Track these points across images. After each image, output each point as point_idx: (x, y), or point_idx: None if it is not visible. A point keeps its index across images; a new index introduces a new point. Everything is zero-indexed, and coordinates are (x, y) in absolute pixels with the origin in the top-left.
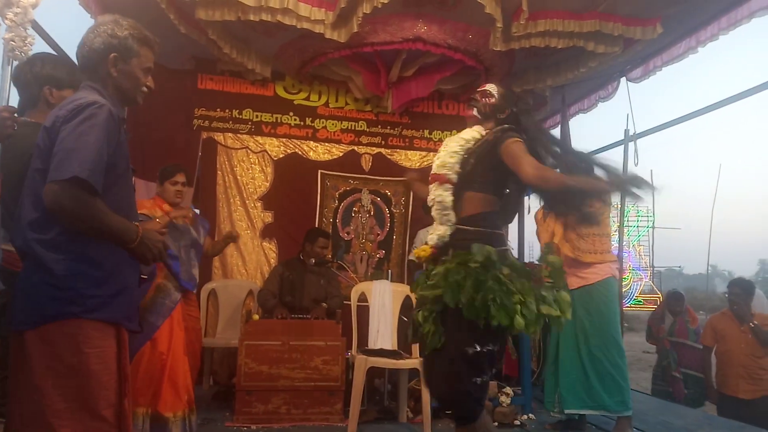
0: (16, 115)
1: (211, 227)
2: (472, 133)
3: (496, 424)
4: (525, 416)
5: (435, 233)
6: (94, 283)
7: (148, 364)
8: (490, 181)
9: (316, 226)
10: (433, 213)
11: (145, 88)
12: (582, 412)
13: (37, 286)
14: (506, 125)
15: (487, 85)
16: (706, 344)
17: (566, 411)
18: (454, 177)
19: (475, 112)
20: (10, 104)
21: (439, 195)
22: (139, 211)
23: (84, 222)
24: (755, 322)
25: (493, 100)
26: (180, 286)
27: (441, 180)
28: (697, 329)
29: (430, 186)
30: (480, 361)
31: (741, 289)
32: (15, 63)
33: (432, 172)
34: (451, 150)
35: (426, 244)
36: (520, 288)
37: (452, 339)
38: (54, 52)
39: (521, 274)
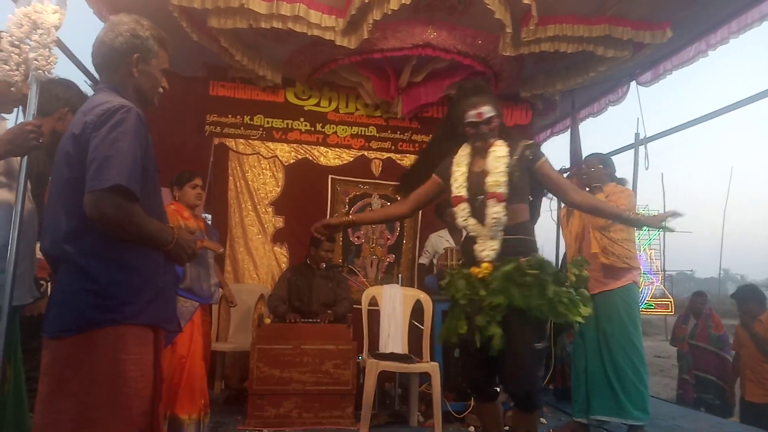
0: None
1: (222, 232)
2: (502, 150)
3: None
4: None
5: (488, 248)
6: (135, 290)
7: (167, 367)
8: (526, 193)
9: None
10: (487, 229)
11: (161, 89)
12: (607, 419)
13: (78, 294)
14: (530, 141)
15: (483, 108)
16: (735, 350)
17: (592, 417)
18: (507, 193)
19: (491, 140)
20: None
21: (497, 212)
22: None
23: (126, 229)
24: (754, 330)
25: (495, 119)
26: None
27: (499, 198)
28: (722, 336)
29: (459, 206)
30: (541, 355)
31: (744, 295)
32: (39, 82)
33: (459, 194)
34: (499, 170)
35: (482, 261)
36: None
37: (520, 338)
38: (75, 66)
39: (560, 276)
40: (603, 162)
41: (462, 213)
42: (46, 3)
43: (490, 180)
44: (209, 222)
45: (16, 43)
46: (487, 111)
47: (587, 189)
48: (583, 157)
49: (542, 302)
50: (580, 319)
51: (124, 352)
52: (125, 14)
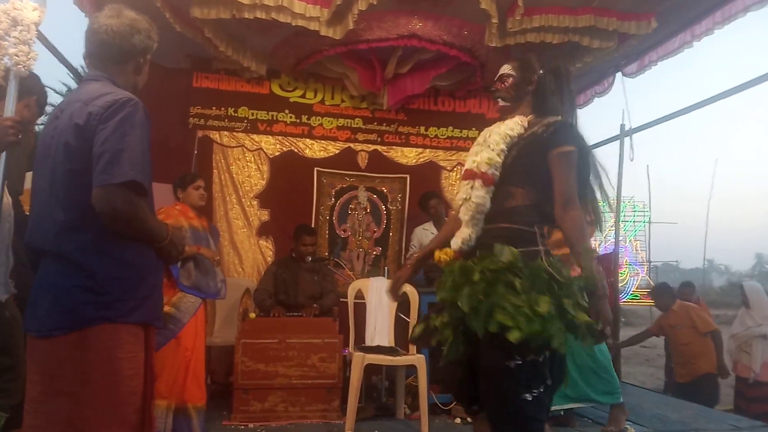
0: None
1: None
2: (514, 124)
3: None
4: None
5: (459, 237)
6: (130, 287)
7: (173, 360)
8: (530, 173)
9: (312, 224)
10: (463, 214)
11: None
12: (564, 407)
13: (72, 290)
14: (558, 120)
15: (502, 67)
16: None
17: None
18: (497, 175)
19: (501, 102)
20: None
21: (479, 196)
22: (167, 221)
23: (133, 225)
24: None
25: (511, 79)
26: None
27: (486, 180)
28: None
29: (464, 182)
30: (524, 374)
31: (658, 292)
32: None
33: (470, 168)
34: (496, 146)
35: (452, 246)
36: (533, 297)
37: (488, 353)
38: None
39: (538, 282)
40: None
41: (460, 193)
42: (26, 0)
43: (477, 156)
44: None
45: None
46: (505, 69)
47: None
48: None
49: (479, 307)
50: (510, 337)
51: (119, 350)
52: (129, 11)
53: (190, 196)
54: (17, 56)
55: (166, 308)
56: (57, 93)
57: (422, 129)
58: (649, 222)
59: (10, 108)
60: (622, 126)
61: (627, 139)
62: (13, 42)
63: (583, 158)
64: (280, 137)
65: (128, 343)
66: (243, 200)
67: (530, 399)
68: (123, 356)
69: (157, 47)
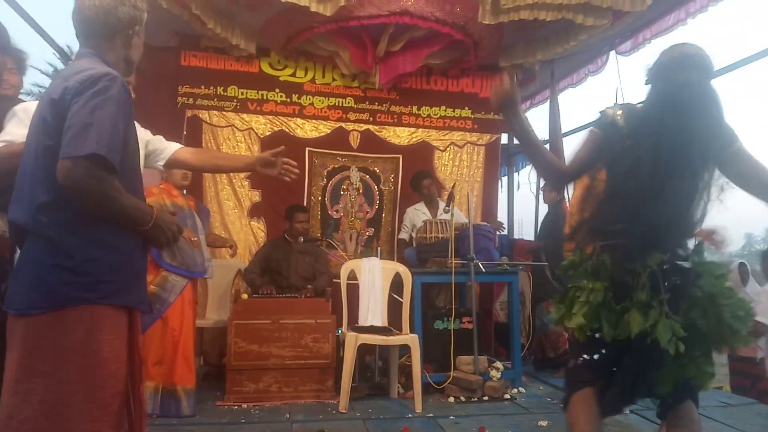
0: None
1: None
2: None
3: (486, 398)
4: (515, 390)
5: None
6: (111, 269)
7: (160, 341)
8: None
9: (305, 203)
10: None
11: None
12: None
13: (51, 270)
14: None
15: None
16: None
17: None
18: None
19: None
20: None
21: None
22: (147, 200)
23: (100, 202)
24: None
25: None
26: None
27: None
28: None
29: None
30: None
31: None
32: None
33: None
34: None
35: None
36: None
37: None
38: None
39: None
40: None
41: None
42: None
43: None
44: None
45: None
46: None
47: None
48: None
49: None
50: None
51: (98, 332)
52: None
53: (173, 176)
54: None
55: (151, 287)
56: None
57: (414, 108)
58: None
59: None
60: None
61: None
62: None
63: None
64: (270, 117)
65: (108, 325)
66: (234, 181)
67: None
68: (102, 338)
69: (144, 25)
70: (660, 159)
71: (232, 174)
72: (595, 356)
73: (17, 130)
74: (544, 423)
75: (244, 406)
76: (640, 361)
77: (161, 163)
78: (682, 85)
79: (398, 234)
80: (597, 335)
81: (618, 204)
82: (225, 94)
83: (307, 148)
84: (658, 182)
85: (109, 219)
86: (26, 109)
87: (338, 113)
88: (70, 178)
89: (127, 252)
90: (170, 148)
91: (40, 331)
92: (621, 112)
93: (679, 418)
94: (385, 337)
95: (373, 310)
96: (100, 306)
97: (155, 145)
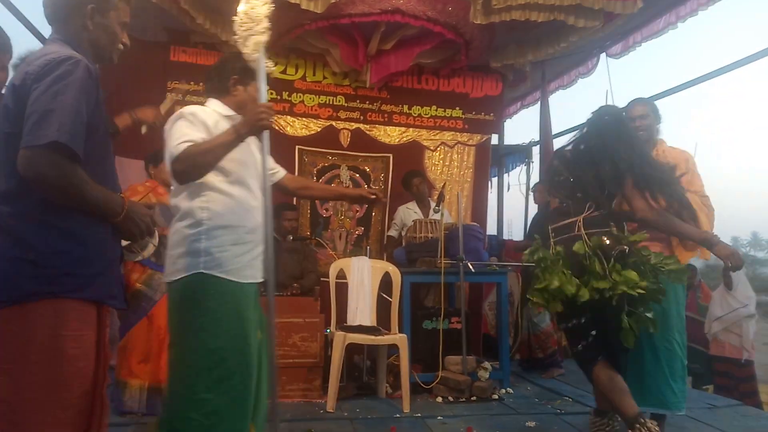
0: None
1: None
2: None
3: (474, 398)
4: (503, 390)
5: None
6: (77, 262)
7: (146, 339)
8: None
9: (294, 202)
10: None
11: (121, 45)
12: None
13: (11, 262)
14: None
15: None
16: None
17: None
18: None
19: None
20: None
21: None
22: (132, 198)
23: (64, 192)
24: None
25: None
26: None
27: None
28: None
29: None
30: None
31: None
32: None
33: None
34: None
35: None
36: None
37: None
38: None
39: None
40: (654, 111)
41: None
42: None
43: None
44: None
45: None
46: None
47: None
48: (627, 103)
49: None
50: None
51: (63, 327)
52: None
53: (162, 173)
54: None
55: (137, 285)
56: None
57: (405, 108)
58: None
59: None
60: None
61: None
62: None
63: None
64: None
65: (74, 320)
66: None
67: (580, 349)
68: (67, 334)
69: (133, 20)
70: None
71: None
72: (582, 320)
73: (191, 131)
74: (531, 424)
75: None
76: (608, 319)
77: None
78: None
79: (387, 231)
80: (576, 302)
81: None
82: None
83: (296, 146)
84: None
85: (77, 210)
86: (194, 113)
87: (329, 111)
88: (31, 169)
89: (95, 243)
90: (280, 173)
91: (2, 326)
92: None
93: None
94: (373, 337)
95: (361, 309)
96: (65, 300)
97: (271, 164)
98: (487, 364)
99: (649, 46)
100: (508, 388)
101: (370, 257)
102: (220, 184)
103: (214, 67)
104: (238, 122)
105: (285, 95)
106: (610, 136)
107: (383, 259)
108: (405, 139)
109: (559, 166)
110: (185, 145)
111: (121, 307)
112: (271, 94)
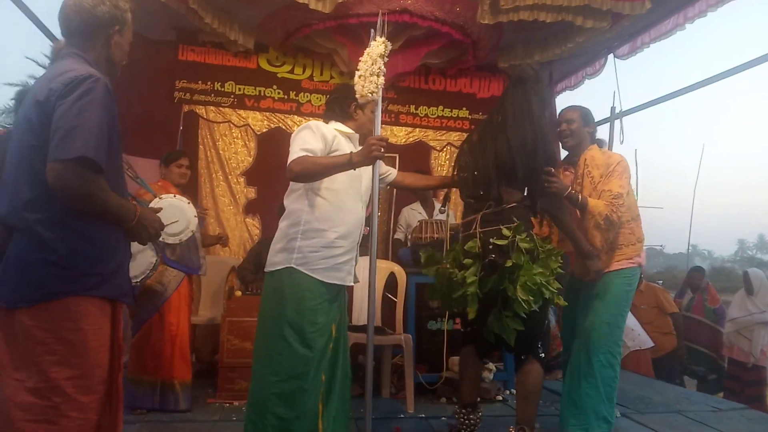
0: None
1: (192, 204)
2: None
3: (478, 399)
4: (507, 392)
5: None
6: (95, 262)
7: (157, 335)
8: None
9: None
10: None
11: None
12: None
13: (38, 264)
14: None
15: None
16: None
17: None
18: None
19: None
20: None
21: None
22: (145, 197)
23: (88, 201)
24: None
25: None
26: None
27: None
28: (717, 309)
29: None
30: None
31: None
32: None
33: None
34: None
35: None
36: None
37: None
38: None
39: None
40: (583, 117)
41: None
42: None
43: None
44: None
45: None
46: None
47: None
48: (558, 113)
49: None
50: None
51: (85, 322)
52: None
53: (171, 174)
54: (369, 86)
55: (149, 282)
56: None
57: (412, 108)
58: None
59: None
60: (613, 108)
61: (617, 122)
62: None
63: None
64: (267, 113)
65: (94, 315)
66: (229, 177)
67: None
68: (89, 328)
69: (141, 19)
70: None
71: (227, 170)
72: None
73: (312, 141)
74: (536, 425)
75: (236, 403)
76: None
77: (382, 186)
78: None
79: (393, 233)
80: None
81: None
82: (222, 89)
83: None
84: None
85: (97, 216)
86: (318, 126)
87: None
88: (60, 180)
89: (110, 245)
90: (393, 173)
91: (29, 323)
92: None
93: (521, 372)
94: (378, 337)
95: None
96: (85, 297)
97: (383, 169)
98: (491, 366)
99: (657, 47)
100: (512, 390)
101: (375, 257)
102: (322, 192)
103: (335, 98)
104: (355, 152)
105: (292, 95)
106: (512, 103)
107: (389, 259)
108: (411, 139)
109: (465, 158)
110: (303, 153)
111: (130, 303)
112: (279, 93)
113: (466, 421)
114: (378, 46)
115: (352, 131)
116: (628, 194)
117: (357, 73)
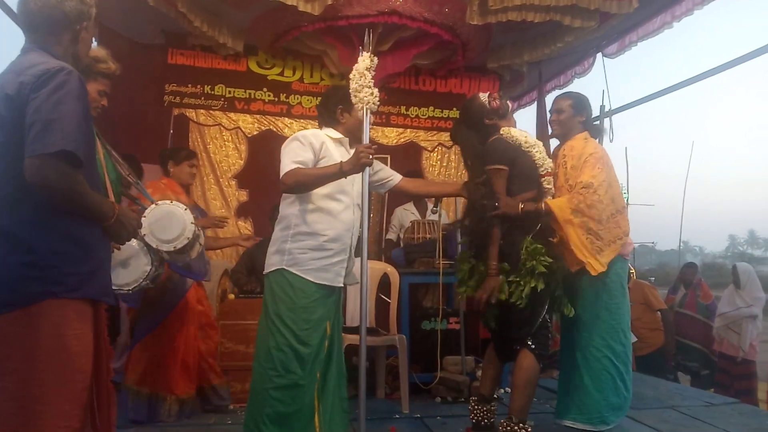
0: None
1: (205, 211)
2: None
3: (474, 398)
4: (502, 390)
5: None
6: (75, 261)
7: (159, 347)
8: None
9: None
10: None
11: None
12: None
13: (15, 267)
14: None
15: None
16: None
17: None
18: None
19: None
20: None
21: None
22: (155, 194)
23: (68, 198)
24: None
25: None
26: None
27: None
28: (710, 305)
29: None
30: None
31: None
32: None
33: None
34: None
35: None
36: None
37: None
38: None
39: None
40: (575, 105)
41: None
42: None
43: None
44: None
45: None
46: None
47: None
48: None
49: None
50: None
51: (66, 326)
52: None
53: (182, 172)
54: (368, 98)
55: (151, 291)
56: None
57: (403, 109)
58: (627, 203)
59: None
60: (602, 107)
61: (607, 120)
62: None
63: None
64: (258, 116)
65: (75, 320)
66: (221, 180)
67: None
68: (70, 333)
69: (130, 22)
70: None
71: (219, 173)
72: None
73: (301, 152)
74: (530, 423)
75: (231, 407)
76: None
77: (383, 190)
78: None
79: (386, 233)
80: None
81: None
82: (212, 92)
83: None
84: None
85: (75, 214)
86: (306, 136)
87: None
88: (38, 175)
89: (89, 243)
90: (395, 178)
91: (9, 329)
92: None
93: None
94: (372, 338)
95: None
96: (66, 300)
97: (385, 174)
98: None
99: (645, 45)
100: (507, 388)
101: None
102: (312, 197)
103: (321, 103)
104: (345, 161)
105: (283, 97)
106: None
107: (382, 260)
108: (402, 140)
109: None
110: (295, 166)
111: (112, 303)
112: (269, 95)
113: (479, 413)
114: (364, 61)
115: (342, 135)
116: (609, 186)
117: (351, 91)
